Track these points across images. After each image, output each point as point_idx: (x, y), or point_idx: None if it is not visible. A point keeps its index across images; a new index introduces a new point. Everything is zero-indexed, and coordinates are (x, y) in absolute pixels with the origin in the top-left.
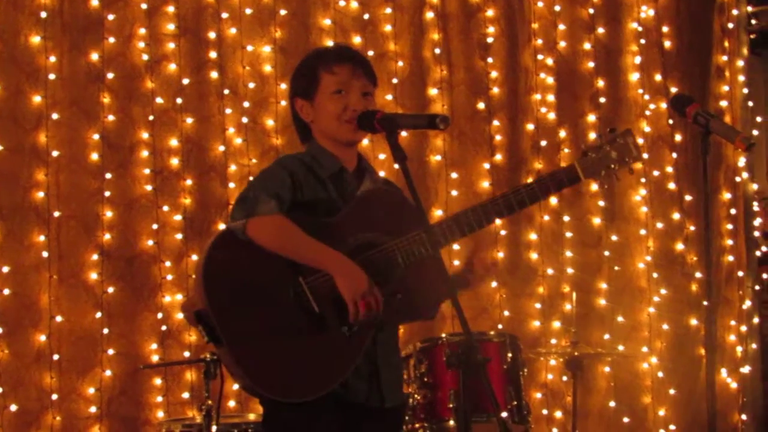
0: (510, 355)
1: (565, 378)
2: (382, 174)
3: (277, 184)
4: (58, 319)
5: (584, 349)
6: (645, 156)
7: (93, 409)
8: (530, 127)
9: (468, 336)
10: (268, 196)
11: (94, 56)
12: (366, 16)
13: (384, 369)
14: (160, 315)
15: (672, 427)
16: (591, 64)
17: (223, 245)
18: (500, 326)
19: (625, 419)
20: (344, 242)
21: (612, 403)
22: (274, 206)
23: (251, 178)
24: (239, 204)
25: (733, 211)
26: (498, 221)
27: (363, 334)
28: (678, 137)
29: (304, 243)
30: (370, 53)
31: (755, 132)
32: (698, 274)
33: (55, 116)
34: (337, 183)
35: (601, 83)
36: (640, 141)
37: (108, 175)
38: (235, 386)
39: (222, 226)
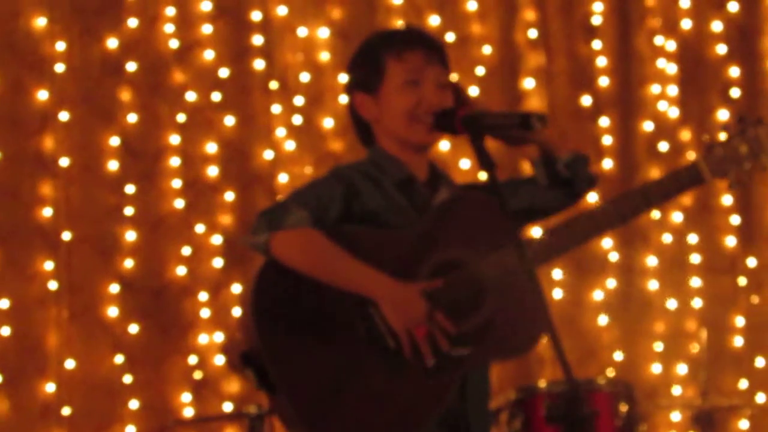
0: (624, 407)
1: None
2: None
3: (318, 194)
4: (69, 364)
5: (716, 400)
6: None
7: None
8: (646, 126)
9: (572, 385)
10: (301, 206)
11: (112, 43)
12: None
13: (474, 420)
14: (194, 359)
15: None
16: (722, 49)
17: (276, 271)
18: (611, 372)
19: None
20: (423, 261)
21: None
22: (305, 218)
23: None
24: (263, 216)
25: None
26: (608, 242)
27: (448, 374)
28: None
29: (341, 264)
30: (450, 37)
31: None
32: None
33: (63, 116)
34: (406, 192)
35: (734, 72)
36: None
37: (129, 189)
38: None
39: None
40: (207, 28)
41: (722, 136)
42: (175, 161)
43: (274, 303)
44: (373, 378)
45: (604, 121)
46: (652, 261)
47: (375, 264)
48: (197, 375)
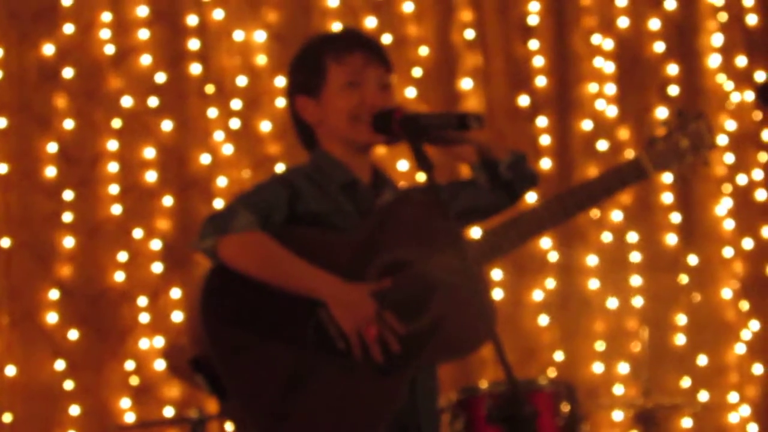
0: (565, 407)
1: None
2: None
3: (264, 197)
4: (10, 371)
5: (658, 399)
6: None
7: None
8: (585, 125)
9: (513, 385)
10: (248, 210)
11: (48, 49)
12: None
13: (424, 419)
14: (131, 365)
15: None
16: (659, 47)
17: (224, 275)
18: (552, 372)
19: None
20: (370, 262)
21: None
22: (253, 221)
23: None
24: (210, 220)
25: None
26: (547, 241)
27: (398, 374)
28: None
29: (289, 266)
30: (387, 39)
31: None
32: None
33: (1, 123)
34: (350, 195)
35: (672, 70)
36: (724, 140)
37: (67, 195)
38: None
39: None
40: (143, 33)
41: (663, 131)
42: (112, 167)
43: (223, 307)
44: (325, 380)
45: (541, 121)
46: (592, 260)
47: (323, 266)
48: (134, 381)
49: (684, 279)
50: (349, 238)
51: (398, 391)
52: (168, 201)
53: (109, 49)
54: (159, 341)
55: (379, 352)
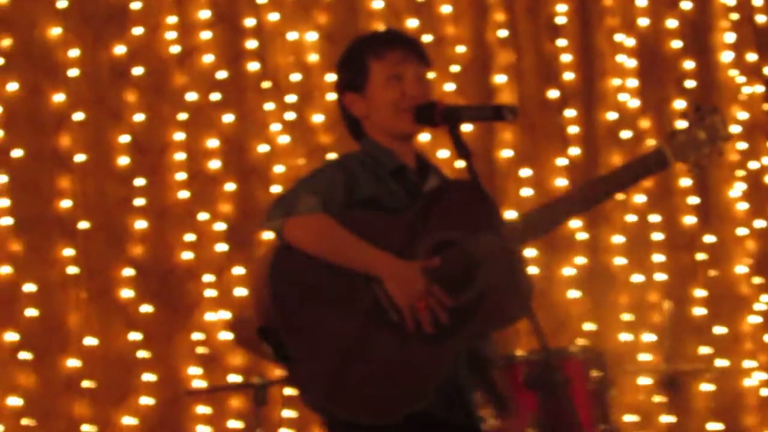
0: (595, 373)
1: (657, 398)
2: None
3: (324, 182)
4: (90, 342)
5: (679, 365)
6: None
7: None
8: (609, 116)
9: (546, 353)
10: (311, 193)
11: (119, 49)
12: None
13: (467, 384)
14: (199, 336)
15: None
16: (677, 44)
17: (289, 253)
18: (582, 341)
19: None
20: (420, 241)
21: (711, 426)
22: (316, 204)
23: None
24: (277, 203)
25: None
26: (576, 222)
27: (447, 344)
28: None
29: (348, 245)
30: (427, 38)
31: None
32: None
33: (78, 117)
34: (399, 180)
35: (688, 65)
36: (737, 129)
37: (138, 182)
38: (285, 413)
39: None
40: (206, 34)
41: (682, 124)
42: (179, 156)
43: (289, 281)
44: (380, 349)
45: (569, 113)
46: (617, 239)
47: (378, 245)
48: (201, 350)
49: (701, 256)
50: (400, 220)
51: (446, 360)
52: (230, 187)
53: (175, 49)
54: (223, 314)
55: (428, 323)
